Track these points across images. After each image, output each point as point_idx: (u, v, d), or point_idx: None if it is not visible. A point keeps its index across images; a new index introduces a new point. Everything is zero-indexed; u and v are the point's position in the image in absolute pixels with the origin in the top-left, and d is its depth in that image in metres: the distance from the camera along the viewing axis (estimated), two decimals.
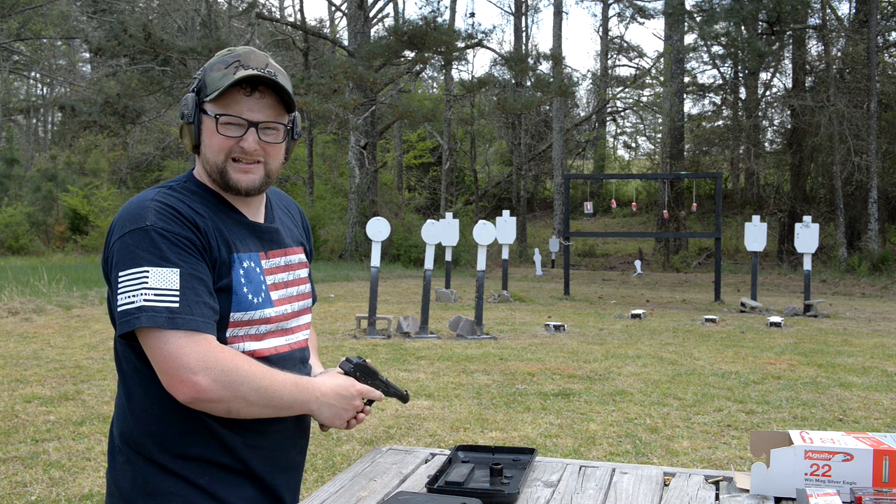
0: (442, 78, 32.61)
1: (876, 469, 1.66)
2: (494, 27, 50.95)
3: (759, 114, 27.90)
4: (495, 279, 17.59)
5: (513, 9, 34.08)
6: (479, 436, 5.10)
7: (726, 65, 28.93)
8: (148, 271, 1.42)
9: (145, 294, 1.41)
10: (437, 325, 10.38)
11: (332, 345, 8.73)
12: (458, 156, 34.01)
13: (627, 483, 1.89)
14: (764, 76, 28.90)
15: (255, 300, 1.57)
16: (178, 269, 1.44)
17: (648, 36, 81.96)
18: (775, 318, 11.01)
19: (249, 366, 1.47)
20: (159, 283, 1.42)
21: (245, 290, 1.55)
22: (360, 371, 1.66)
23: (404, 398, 1.79)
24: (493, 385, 6.70)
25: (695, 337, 9.82)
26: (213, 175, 1.57)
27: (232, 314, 1.53)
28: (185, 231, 1.48)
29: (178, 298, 1.42)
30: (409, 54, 22.72)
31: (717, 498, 1.79)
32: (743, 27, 24.52)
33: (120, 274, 1.43)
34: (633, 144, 40.05)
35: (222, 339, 1.51)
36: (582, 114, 38.12)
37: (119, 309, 1.42)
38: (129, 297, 1.42)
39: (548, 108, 31.04)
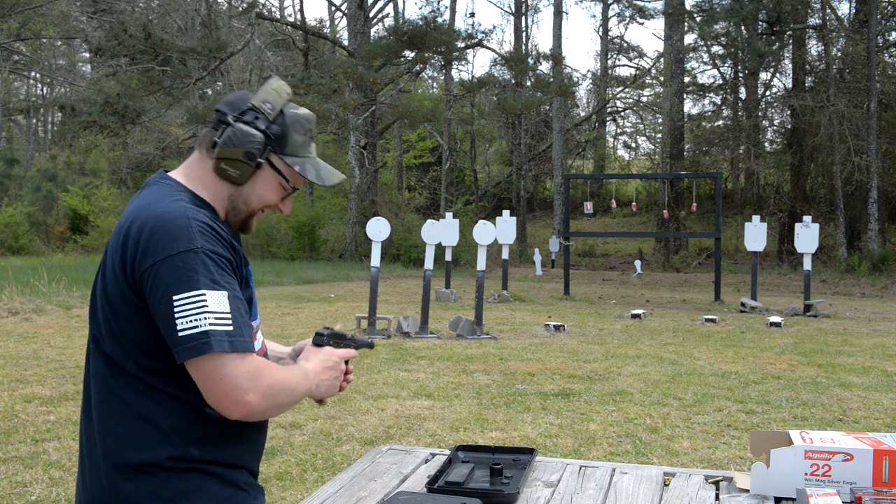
0: (442, 78, 32.62)
1: (876, 469, 1.66)
2: (494, 27, 51.03)
3: (759, 114, 27.90)
4: (495, 279, 17.59)
5: (513, 9, 34.10)
6: (479, 436, 5.10)
7: (726, 65, 28.94)
8: (205, 295, 1.44)
9: (208, 318, 1.43)
10: (437, 325, 10.38)
11: None
12: (458, 156, 34.01)
13: (627, 483, 1.89)
14: (764, 76, 28.94)
15: (255, 309, 1.65)
16: (226, 292, 1.46)
17: (648, 36, 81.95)
18: (775, 318, 11.01)
19: (281, 373, 1.53)
20: (216, 306, 1.44)
21: (254, 299, 1.63)
22: (333, 339, 1.73)
23: (371, 346, 1.86)
24: (493, 385, 6.70)
25: (695, 337, 9.81)
26: (235, 213, 1.62)
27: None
28: (226, 252, 1.51)
29: (230, 321, 1.45)
30: (409, 54, 22.72)
31: (717, 498, 1.79)
32: (743, 27, 24.51)
33: (175, 297, 1.43)
34: (633, 144, 40.07)
35: None
36: (582, 114, 38.13)
37: (181, 333, 1.42)
38: (191, 321, 1.42)
39: (548, 108, 31.04)
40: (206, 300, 1.43)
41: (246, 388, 1.44)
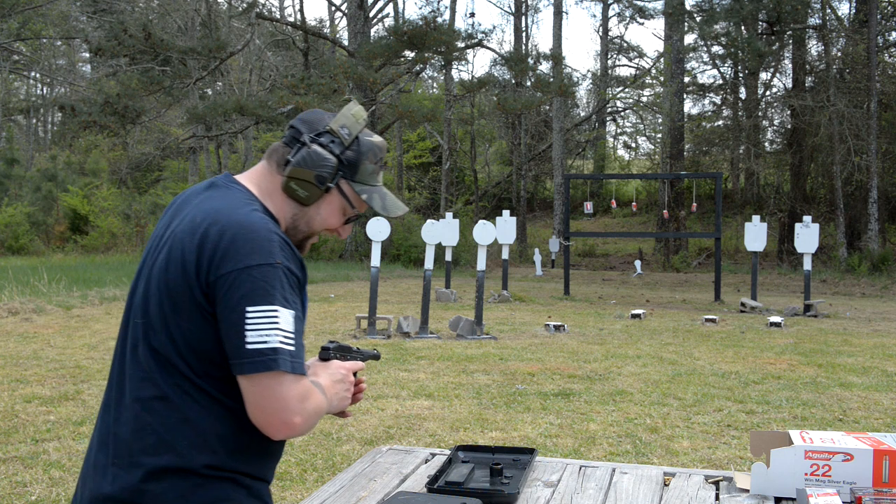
0: (442, 78, 32.61)
1: (876, 469, 1.66)
2: (494, 27, 50.91)
3: (759, 114, 27.89)
4: (495, 279, 17.59)
5: (513, 9, 34.09)
6: (479, 436, 5.10)
7: (726, 65, 28.94)
8: (278, 311, 1.43)
9: (278, 335, 1.42)
10: (437, 325, 10.38)
11: None
12: (458, 156, 34.00)
13: (627, 483, 1.89)
14: (764, 76, 28.93)
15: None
16: (293, 312, 1.46)
17: (648, 36, 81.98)
18: (775, 318, 11.01)
19: (320, 396, 1.53)
20: (285, 325, 1.44)
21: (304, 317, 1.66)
22: (339, 352, 1.72)
23: (377, 357, 1.87)
24: (493, 385, 6.70)
25: (695, 337, 9.81)
26: (294, 233, 1.62)
27: None
28: (298, 271, 1.51)
29: (293, 342, 1.44)
30: (409, 54, 22.71)
31: (717, 498, 1.79)
32: (743, 27, 24.51)
33: (249, 308, 1.42)
34: (633, 144, 40.09)
35: None
36: (582, 114, 38.13)
37: (250, 346, 1.41)
38: (261, 335, 1.42)
39: (548, 108, 31.04)
40: (278, 317, 1.42)
41: (295, 410, 1.44)
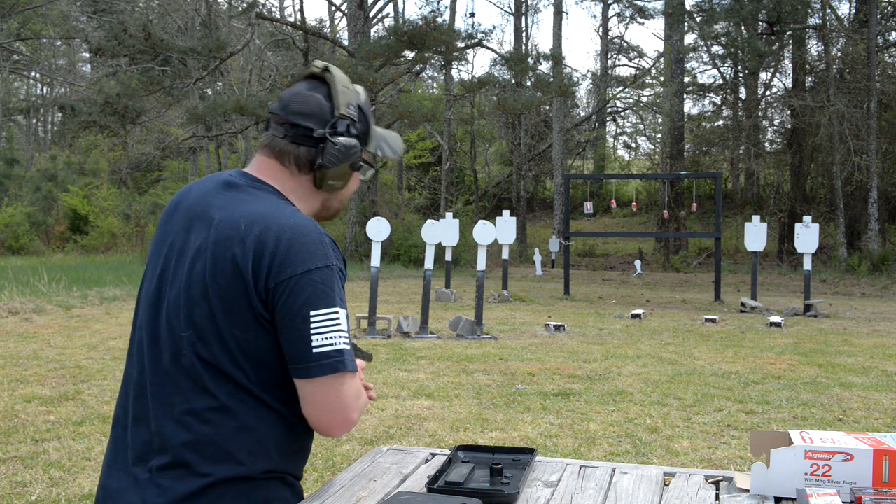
0: (442, 78, 32.61)
1: (876, 469, 1.66)
2: (494, 27, 50.93)
3: (759, 114, 27.90)
4: (495, 279, 17.59)
5: (513, 9, 34.11)
6: (479, 436, 5.09)
7: (726, 65, 28.95)
8: (339, 313, 1.45)
9: (341, 336, 1.44)
10: (437, 325, 10.38)
11: None
12: (458, 156, 34.00)
13: (627, 483, 1.89)
14: (764, 76, 28.94)
15: None
16: (346, 311, 1.48)
17: (648, 36, 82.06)
18: (775, 318, 11.01)
19: (364, 391, 1.56)
20: (344, 325, 1.46)
21: None
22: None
23: (370, 358, 1.88)
24: (493, 385, 6.70)
25: (695, 337, 9.81)
26: (327, 211, 1.65)
27: None
28: (345, 270, 1.53)
29: (348, 340, 1.46)
30: (409, 54, 22.71)
31: (717, 498, 1.79)
32: (743, 27, 24.52)
33: (313, 313, 1.43)
34: (633, 144, 40.12)
35: None
36: (582, 114, 38.13)
37: (316, 350, 1.42)
38: (326, 338, 1.43)
39: (548, 108, 31.05)
40: (339, 318, 1.44)
41: (353, 407, 1.47)
